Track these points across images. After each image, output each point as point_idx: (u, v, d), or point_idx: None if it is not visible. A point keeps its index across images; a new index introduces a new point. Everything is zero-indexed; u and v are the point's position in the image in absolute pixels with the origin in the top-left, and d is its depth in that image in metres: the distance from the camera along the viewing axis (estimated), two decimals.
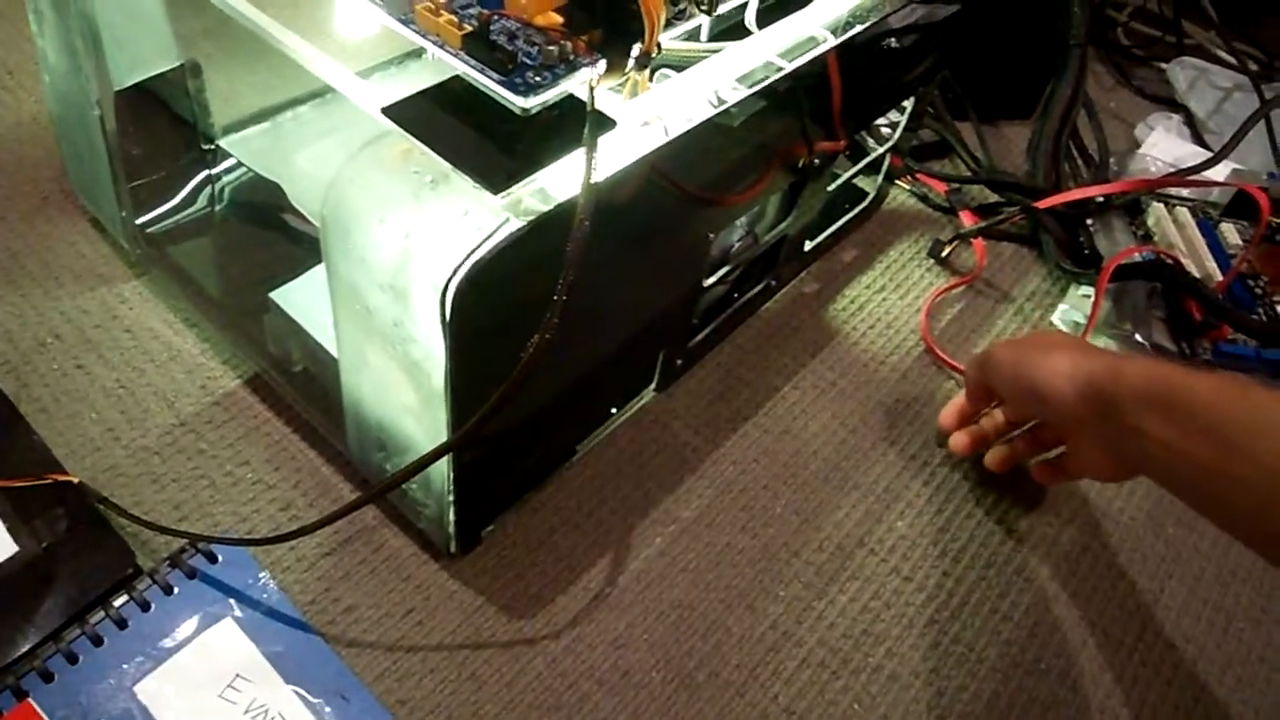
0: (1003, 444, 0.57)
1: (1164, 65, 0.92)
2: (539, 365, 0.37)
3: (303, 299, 0.53)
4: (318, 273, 0.55)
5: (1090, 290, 0.69)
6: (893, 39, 0.56)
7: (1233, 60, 0.90)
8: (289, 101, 0.68)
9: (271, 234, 0.62)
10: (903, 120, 0.67)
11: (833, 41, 0.48)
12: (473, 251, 0.36)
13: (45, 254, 0.60)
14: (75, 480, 0.50)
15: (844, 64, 0.51)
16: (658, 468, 0.56)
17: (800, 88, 0.50)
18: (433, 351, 0.39)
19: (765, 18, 0.49)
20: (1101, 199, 0.72)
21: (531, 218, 0.37)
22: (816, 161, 0.56)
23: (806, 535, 0.54)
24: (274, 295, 0.53)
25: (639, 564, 0.51)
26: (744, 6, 0.49)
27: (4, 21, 0.74)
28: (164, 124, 0.63)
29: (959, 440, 0.57)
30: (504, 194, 0.37)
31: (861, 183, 0.71)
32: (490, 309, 0.38)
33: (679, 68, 0.46)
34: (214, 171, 0.64)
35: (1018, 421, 0.56)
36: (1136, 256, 0.68)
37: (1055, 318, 0.69)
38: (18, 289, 0.58)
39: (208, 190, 0.63)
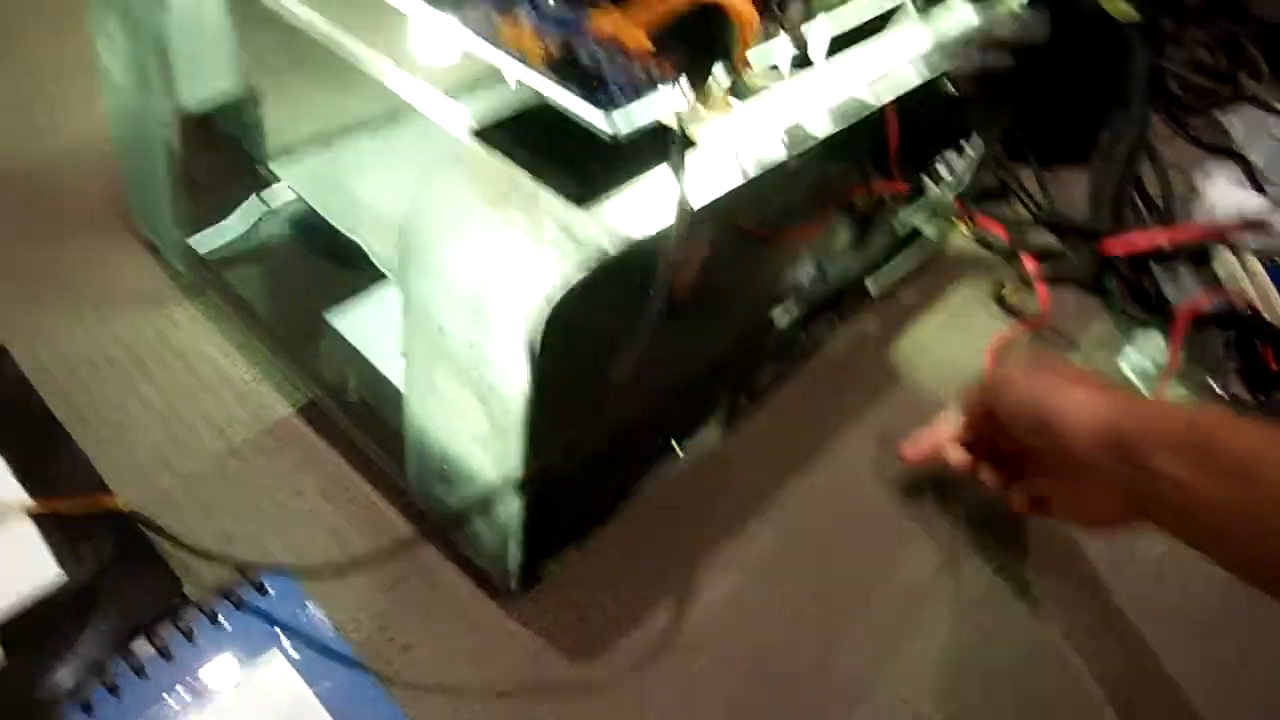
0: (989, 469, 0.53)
1: (1219, 114, 0.91)
2: (621, 392, 0.36)
3: (360, 322, 0.52)
4: (375, 296, 0.53)
5: (1158, 337, 0.67)
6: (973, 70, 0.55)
7: None
8: (347, 130, 0.68)
9: (327, 261, 0.61)
10: (971, 163, 0.66)
11: (923, 75, 0.47)
12: (565, 281, 0.34)
13: (96, 276, 0.59)
14: (124, 508, 0.48)
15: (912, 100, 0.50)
16: (721, 509, 0.54)
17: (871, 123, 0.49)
18: (510, 376, 0.37)
19: (833, 47, 0.47)
20: (1168, 245, 0.71)
21: (623, 245, 0.35)
22: (886, 197, 0.55)
23: (874, 582, 0.52)
24: (328, 316, 0.52)
25: (704, 608, 0.49)
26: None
27: (46, 46, 0.74)
28: (222, 150, 0.62)
29: (961, 457, 0.53)
30: (593, 216, 0.36)
31: (922, 225, 0.70)
32: (575, 336, 0.37)
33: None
34: (270, 196, 0.63)
35: (1008, 451, 0.52)
36: (1206, 306, 0.66)
37: (1123, 364, 0.66)
38: (70, 310, 0.57)
39: (263, 215, 0.62)
